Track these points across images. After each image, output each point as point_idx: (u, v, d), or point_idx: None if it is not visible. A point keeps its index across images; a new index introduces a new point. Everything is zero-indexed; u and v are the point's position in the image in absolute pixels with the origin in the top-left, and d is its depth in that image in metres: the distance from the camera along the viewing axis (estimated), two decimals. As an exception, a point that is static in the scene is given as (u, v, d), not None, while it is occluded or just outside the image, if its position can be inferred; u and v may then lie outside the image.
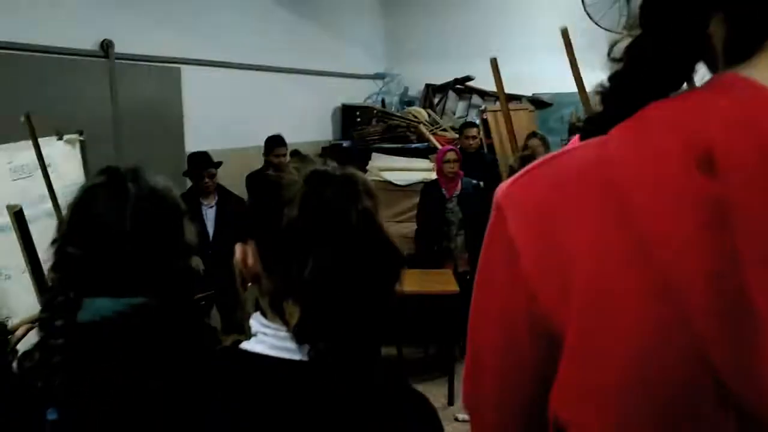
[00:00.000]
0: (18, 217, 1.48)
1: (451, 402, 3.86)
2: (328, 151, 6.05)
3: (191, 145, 4.50)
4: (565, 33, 2.36)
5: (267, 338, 0.86)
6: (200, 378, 0.86)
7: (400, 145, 5.95)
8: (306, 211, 0.83)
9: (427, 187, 4.71)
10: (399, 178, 5.47)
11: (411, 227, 4.87)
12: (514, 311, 0.53)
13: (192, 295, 1.12)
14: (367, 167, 5.86)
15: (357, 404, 0.85)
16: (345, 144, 6.22)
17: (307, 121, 6.06)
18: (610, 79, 0.57)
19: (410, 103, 7.01)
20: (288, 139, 4.80)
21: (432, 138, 5.96)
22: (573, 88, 2.91)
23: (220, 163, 4.20)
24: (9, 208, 1.51)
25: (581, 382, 0.48)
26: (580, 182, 0.51)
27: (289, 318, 0.84)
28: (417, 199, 4.83)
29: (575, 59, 2.45)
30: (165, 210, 1.08)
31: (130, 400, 0.97)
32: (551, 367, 0.51)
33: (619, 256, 0.47)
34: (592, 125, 0.57)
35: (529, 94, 6.89)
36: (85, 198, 1.05)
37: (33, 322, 1.36)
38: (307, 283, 0.82)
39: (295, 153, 5.22)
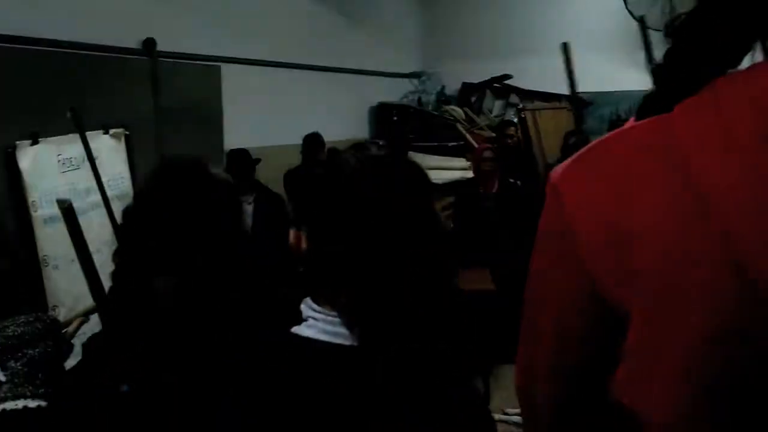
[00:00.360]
0: (68, 212, 1.51)
1: (486, 401, 3.83)
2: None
3: (230, 143, 4.55)
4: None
5: (317, 323, 0.86)
6: (250, 361, 0.86)
7: (436, 144, 5.94)
8: (358, 196, 0.84)
9: (463, 185, 4.68)
10: (435, 176, 5.45)
11: (446, 225, 4.85)
12: (571, 292, 0.53)
13: (235, 281, 1.13)
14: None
15: (404, 391, 0.84)
16: (381, 143, 6.22)
17: (343, 119, 6.08)
18: (667, 55, 0.56)
19: (447, 102, 6.98)
20: (325, 138, 4.82)
21: (468, 136, 5.93)
22: (613, 87, 2.87)
23: (258, 160, 4.24)
24: (59, 203, 1.54)
25: (651, 363, 0.47)
26: (647, 157, 0.51)
27: (339, 303, 0.85)
28: (450, 198, 4.81)
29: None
30: (217, 201, 1.10)
31: (192, 375, 0.99)
32: (607, 341, 0.50)
33: (688, 228, 0.46)
34: (650, 103, 0.56)
35: (568, 92, 6.81)
36: (148, 190, 1.08)
37: (85, 316, 1.39)
38: (358, 268, 0.82)
39: (332, 151, 5.25)
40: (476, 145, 5.22)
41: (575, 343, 0.56)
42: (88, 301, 2.10)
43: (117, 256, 1.10)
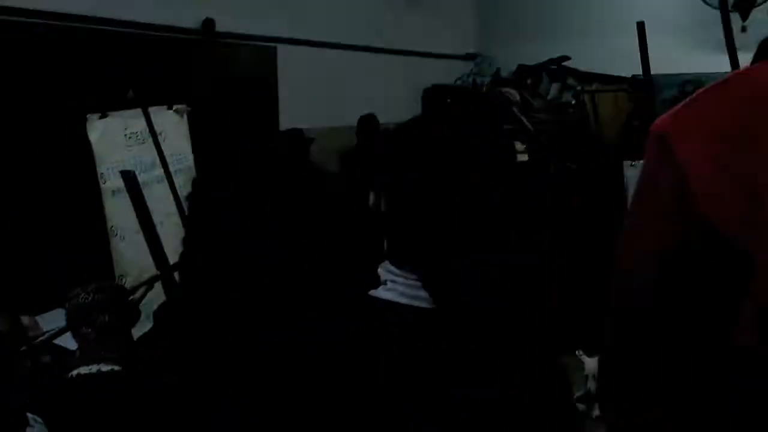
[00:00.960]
0: (131, 182, 1.54)
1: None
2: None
3: (285, 123, 4.58)
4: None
5: (397, 286, 0.85)
6: (330, 324, 0.85)
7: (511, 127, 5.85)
8: (444, 160, 0.82)
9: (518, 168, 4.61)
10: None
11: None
12: (678, 233, 0.55)
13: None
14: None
15: (482, 355, 0.82)
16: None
17: (397, 101, 6.05)
18: None
19: (502, 84, 6.86)
20: (378, 119, 4.81)
21: (524, 120, 5.82)
22: (676, 69, 2.77)
23: (312, 140, 4.27)
24: (123, 174, 1.57)
25: None
26: None
27: (420, 267, 0.83)
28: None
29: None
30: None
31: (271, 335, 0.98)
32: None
33: None
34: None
35: (629, 75, 6.61)
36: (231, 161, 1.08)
37: (149, 284, 1.42)
38: (441, 232, 0.81)
39: (386, 132, 5.23)
40: (531, 128, 5.12)
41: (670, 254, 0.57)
42: (153, 272, 2.16)
43: (187, 228, 1.10)
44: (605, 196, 4.59)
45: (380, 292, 0.87)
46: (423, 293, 0.83)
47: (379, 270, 0.90)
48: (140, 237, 2.17)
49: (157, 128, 2.33)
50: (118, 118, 2.07)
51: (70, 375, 1.09)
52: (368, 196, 0.91)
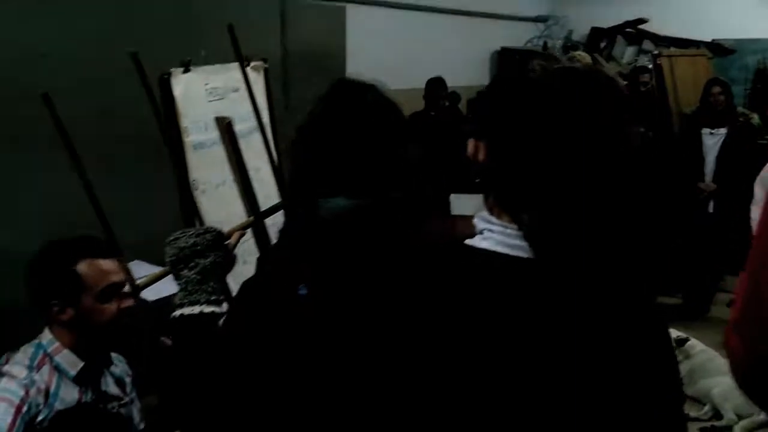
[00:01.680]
0: (228, 129, 1.56)
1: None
2: (485, 95, 5.92)
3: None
4: None
5: (494, 235, 0.84)
6: (427, 273, 0.86)
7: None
8: (549, 109, 0.81)
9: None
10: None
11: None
12: None
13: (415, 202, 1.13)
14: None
15: (582, 307, 0.81)
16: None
17: (465, 63, 5.96)
18: None
19: (574, 48, 6.66)
20: (447, 82, 4.75)
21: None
22: (759, 34, 2.62)
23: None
24: (218, 120, 1.60)
25: None
26: None
27: (520, 217, 0.83)
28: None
29: None
30: (394, 124, 1.09)
31: (368, 281, 1.00)
32: None
33: None
34: None
35: (709, 39, 6.31)
36: (324, 109, 1.08)
37: (243, 229, 1.44)
38: (545, 183, 0.80)
39: (453, 95, 5.17)
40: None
41: None
42: (232, 225, 2.21)
43: (291, 173, 1.11)
44: (683, 165, 4.44)
45: (476, 242, 0.86)
46: (521, 243, 0.82)
47: (475, 220, 0.89)
48: (220, 191, 2.22)
49: (234, 84, 2.36)
50: (200, 73, 2.10)
51: (172, 316, 1.13)
52: (463, 146, 0.89)
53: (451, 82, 4.97)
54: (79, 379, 1.70)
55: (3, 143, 2.56)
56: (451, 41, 5.70)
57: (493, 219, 0.86)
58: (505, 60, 6.36)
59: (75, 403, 1.67)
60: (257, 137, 2.46)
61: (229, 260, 1.21)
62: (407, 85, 4.95)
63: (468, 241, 0.87)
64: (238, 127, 2.27)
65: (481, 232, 0.87)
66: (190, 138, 2.03)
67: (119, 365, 1.88)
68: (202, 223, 1.99)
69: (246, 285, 1.06)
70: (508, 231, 0.83)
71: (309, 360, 0.97)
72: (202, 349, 1.08)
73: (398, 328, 0.84)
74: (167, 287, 2.93)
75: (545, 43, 6.69)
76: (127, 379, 1.90)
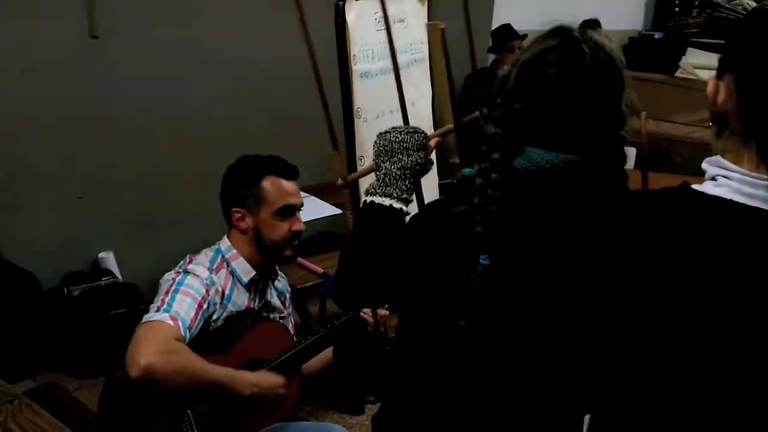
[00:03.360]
0: (442, 36, 1.57)
1: None
2: (636, 42, 5.58)
3: (499, 18, 4.47)
4: None
5: (731, 182, 0.80)
6: (652, 220, 0.83)
7: (722, 42, 5.27)
8: None
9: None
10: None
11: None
12: None
13: (622, 161, 1.10)
14: (680, 63, 5.33)
15: None
16: (657, 36, 5.68)
17: (617, 5, 5.61)
18: None
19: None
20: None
21: (765, 36, 5.17)
22: None
23: (525, 36, 4.22)
24: (431, 26, 1.59)
25: None
26: None
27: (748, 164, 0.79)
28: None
29: None
30: (613, 75, 1.06)
31: (562, 251, 1.00)
32: None
33: None
34: None
35: None
36: (538, 58, 1.06)
37: (442, 136, 1.45)
38: None
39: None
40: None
41: None
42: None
43: (493, 125, 1.10)
44: None
45: (708, 188, 0.82)
46: (763, 192, 0.77)
47: (704, 165, 0.85)
48: (380, 122, 2.26)
49: (400, 15, 2.36)
50: (372, 0, 2.12)
51: (363, 201, 1.20)
52: None
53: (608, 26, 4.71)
54: (249, 287, 1.83)
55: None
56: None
57: (731, 165, 0.81)
58: (664, 3, 5.93)
59: (245, 307, 1.81)
60: (415, 70, 2.47)
61: (428, 164, 1.24)
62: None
63: (697, 187, 0.83)
64: (399, 59, 2.29)
65: (713, 179, 0.83)
66: (357, 66, 2.06)
67: (282, 281, 2.01)
68: (356, 152, 2.04)
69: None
70: (750, 179, 0.79)
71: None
72: (381, 240, 1.14)
73: (615, 278, 0.83)
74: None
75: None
76: (287, 295, 2.03)
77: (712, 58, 5.12)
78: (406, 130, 1.22)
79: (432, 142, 1.26)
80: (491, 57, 4.46)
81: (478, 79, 4.58)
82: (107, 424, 1.59)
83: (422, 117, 2.45)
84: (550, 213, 0.99)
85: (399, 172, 1.17)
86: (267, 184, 1.82)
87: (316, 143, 3.68)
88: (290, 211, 1.83)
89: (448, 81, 1.73)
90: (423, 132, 1.24)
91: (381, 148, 1.21)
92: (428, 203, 1.31)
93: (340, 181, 1.58)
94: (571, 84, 1.03)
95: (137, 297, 3.27)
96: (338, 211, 3.15)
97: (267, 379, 1.66)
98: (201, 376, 1.55)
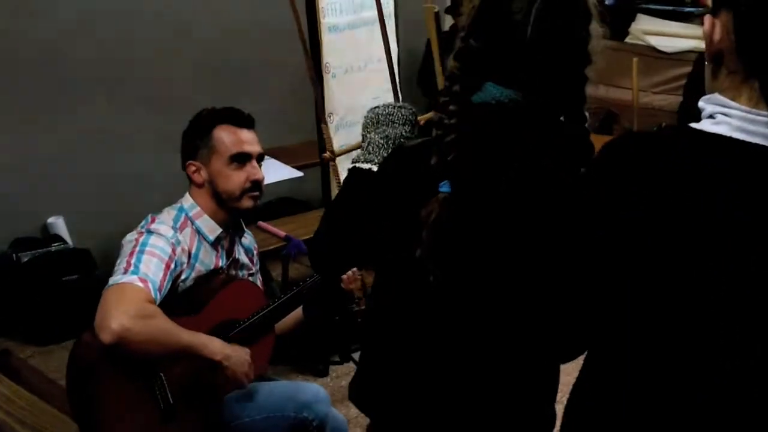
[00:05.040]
0: (436, 18, 1.55)
1: None
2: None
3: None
4: None
5: (730, 120, 0.80)
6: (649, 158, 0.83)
7: (671, 8, 5.36)
8: None
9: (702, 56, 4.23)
10: (666, 44, 4.96)
11: (671, 100, 4.50)
12: None
13: (582, 101, 1.10)
14: (630, 29, 5.40)
15: None
16: (607, 2, 5.73)
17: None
18: None
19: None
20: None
21: (710, 1, 5.29)
22: None
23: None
24: (425, 9, 1.57)
25: None
26: None
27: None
28: (684, 69, 4.40)
29: None
30: (575, 11, 1.05)
31: (521, 177, 1.01)
32: None
33: None
34: None
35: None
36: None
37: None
38: None
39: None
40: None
41: None
42: (358, 115, 2.22)
43: (453, 60, 1.09)
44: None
45: (706, 126, 0.82)
46: (763, 129, 0.78)
47: (700, 104, 0.86)
48: (348, 77, 2.22)
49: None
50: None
51: (348, 168, 1.20)
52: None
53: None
54: (216, 244, 1.78)
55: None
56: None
57: (730, 102, 0.82)
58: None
59: (213, 266, 1.77)
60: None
61: (414, 139, 1.23)
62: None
63: (695, 125, 0.84)
64: (366, 14, 2.25)
65: (711, 116, 0.83)
66: (325, 19, 2.01)
67: (248, 237, 1.97)
68: (325, 108, 2.00)
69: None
70: (751, 116, 0.79)
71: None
72: (361, 202, 1.15)
73: (610, 212, 0.84)
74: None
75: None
76: (255, 251, 1.99)
77: (662, 25, 5.22)
78: (394, 105, 1.24)
79: (422, 120, 1.28)
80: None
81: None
82: (77, 389, 1.54)
83: (386, 74, 2.42)
84: (508, 147, 1.02)
85: (382, 141, 1.19)
86: (218, 132, 1.76)
87: (277, 106, 3.63)
88: (244, 158, 1.76)
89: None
90: (411, 108, 1.24)
91: (368, 121, 1.23)
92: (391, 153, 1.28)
93: (327, 155, 1.57)
94: (530, 20, 1.02)
95: (90, 262, 3.17)
96: (299, 173, 3.10)
97: (235, 348, 1.64)
98: (175, 342, 1.52)
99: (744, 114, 0.80)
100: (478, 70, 1.06)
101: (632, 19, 5.46)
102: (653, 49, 5.07)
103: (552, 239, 0.95)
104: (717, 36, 0.83)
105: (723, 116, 0.82)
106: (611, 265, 0.85)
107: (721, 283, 0.79)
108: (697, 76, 4.22)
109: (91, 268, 3.09)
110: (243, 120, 1.81)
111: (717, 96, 0.84)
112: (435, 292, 1.07)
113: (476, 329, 1.08)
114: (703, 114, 0.85)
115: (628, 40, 5.43)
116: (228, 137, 1.76)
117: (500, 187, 1.02)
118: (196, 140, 1.77)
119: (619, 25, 5.50)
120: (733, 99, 0.82)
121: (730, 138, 0.80)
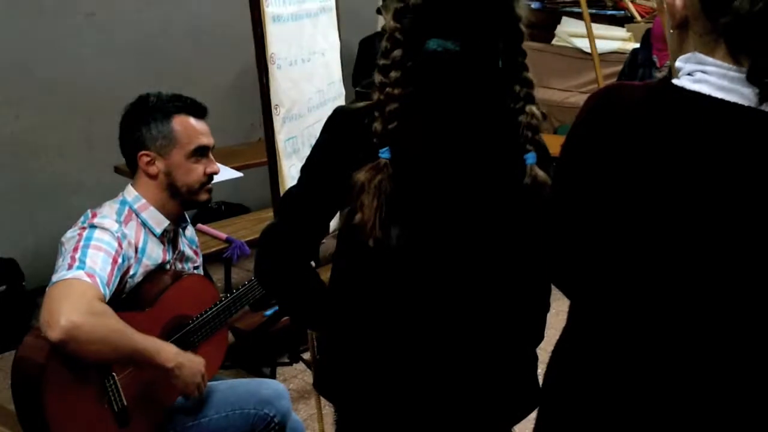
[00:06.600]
0: None
1: None
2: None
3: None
4: None
5: (710, 77, 0.82)
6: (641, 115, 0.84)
7: (594, 11, 5.57)
8: None
9: (634, 54, 4.41)
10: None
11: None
12: None
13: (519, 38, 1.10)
14: (555, 32, 5.58)
15: None
16: (533, 6, 5.91)
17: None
18: None
19: (609, -32, 6.46)
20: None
21: (631, 6, 5.53)
22: None
23: None
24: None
25: None
26: None
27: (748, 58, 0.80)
28: (610, 69, 4.58)
29: None
30: None
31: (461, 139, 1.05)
32: None
33: None
34: None
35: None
36: None
37: None
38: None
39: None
40: (638, 16, 4.88)
41: None
42: (304, 107, 2.18)
43: (393, 21, 1.09)
44: None
45: (686, 83, 0.83)
46: (743, 88, 0.79)
47: (678, 63, 0.86)
48: (294, 69, 2.17)
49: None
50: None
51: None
52: None
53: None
54: (162, 238, 1.70)
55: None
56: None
57: (707, 58, 0.82)
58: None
59: (160, 260, 1.69)
60: (324, 18, 2.39)
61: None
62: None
63: (676, 82, 0.85)
64: (308, 6, 2.21)
65: (690, 74, 0.84)
66: (269, 8, 1.96)
67: (190, 229, 1.89)
68: (271, 100, 1.95)
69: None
70: (730, 74, 0.80)
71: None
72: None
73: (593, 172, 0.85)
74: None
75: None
76: (197, 243, 1.91)
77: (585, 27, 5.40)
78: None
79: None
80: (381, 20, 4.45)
81: (370, 42, 4.57)
82: (24, 395, 1.42)
83: (332, 68, 2.39)
84: (453, 100, 1.05)
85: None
86: (177, 123, 1.68)
87: (219, 105, 3.53)
88: (204, 151, 1.71)
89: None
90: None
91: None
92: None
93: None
94: None
95: (17, 272, 2.98)
96: (239, 174, 3.03)
97: (190, 357, 1.57)
98: (127, 345, 1.43)
99: (721, 71, 0.81)
100: (419, 29, 1.06)
101: (558, 21, 5.64)
102: (579, 50, 5.25)
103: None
104: (680, 2, 0.85)
105: (701, 74, 0.83)
106: (595, 212, 0.86)
107: (697, 237, 0.81)
108: (629, 72, 4.39)
109: (20, 278, 2.91)
110: (201, 110, 1.74)
111: (696, 53, 0.85)
112: (394, 256, 1.07)
113: (446, 292, 1.09)
114: (681, 72, 0.86)
115: (554, 42, 5.61)
116: (188, 129, 1.69)
117: (444, 157, 1.06)
118: (150, 129, 1.66)
119: (545, 28, 5.67)
120: (720, 57, 0.82)
121: (709, 96, 0.81)
